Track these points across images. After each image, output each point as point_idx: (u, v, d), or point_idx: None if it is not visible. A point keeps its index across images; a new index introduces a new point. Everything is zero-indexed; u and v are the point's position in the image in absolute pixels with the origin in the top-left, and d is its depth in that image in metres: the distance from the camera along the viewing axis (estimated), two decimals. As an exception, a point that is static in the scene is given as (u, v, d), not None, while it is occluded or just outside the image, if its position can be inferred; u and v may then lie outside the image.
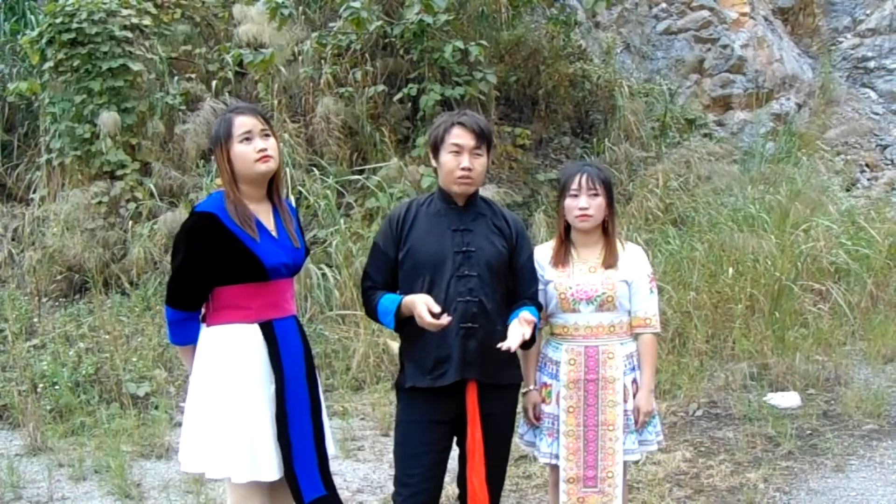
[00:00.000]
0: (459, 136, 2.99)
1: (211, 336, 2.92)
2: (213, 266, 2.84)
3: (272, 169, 2.91)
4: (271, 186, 3.01)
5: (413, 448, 3.02)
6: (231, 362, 2.87)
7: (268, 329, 2.90)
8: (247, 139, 2.87)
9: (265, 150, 2.87)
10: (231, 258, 2.83)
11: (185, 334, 2.98)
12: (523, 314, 2.92)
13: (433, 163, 3.11)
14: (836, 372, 5.98)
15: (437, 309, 2.82)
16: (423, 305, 2.83)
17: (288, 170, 7.19)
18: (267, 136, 2.92)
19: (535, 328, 3.03)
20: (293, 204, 3.24)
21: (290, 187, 7.14)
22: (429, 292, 2.93)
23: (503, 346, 2.85)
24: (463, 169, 2.97)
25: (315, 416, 2.99)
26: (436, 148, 3.06)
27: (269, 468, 2.87)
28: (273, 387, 2.89)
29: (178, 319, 2.94)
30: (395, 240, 3.04)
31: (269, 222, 2.97)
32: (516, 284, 3.08)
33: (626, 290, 3.16)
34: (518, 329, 2.89)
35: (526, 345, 2.96)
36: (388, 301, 2.99)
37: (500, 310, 3.01)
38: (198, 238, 2.85)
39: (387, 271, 3.06)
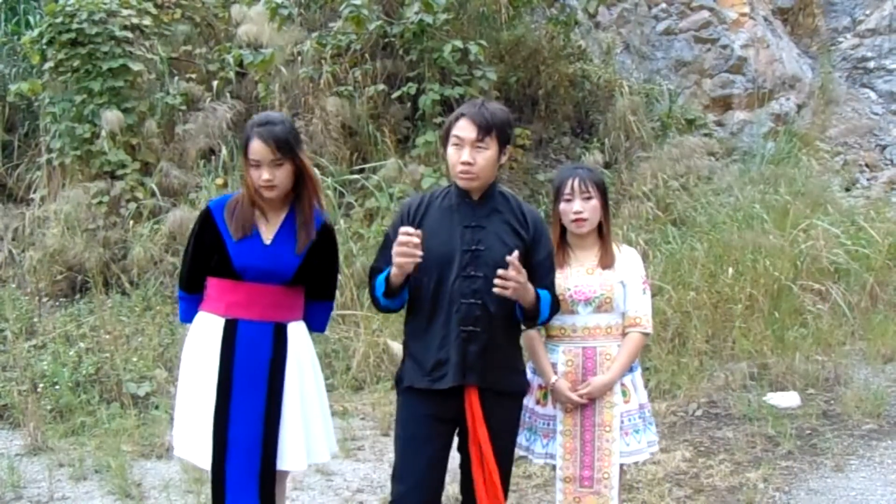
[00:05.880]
0: (461, 129, 2.85)
1: (195, 319, 3.16)
2: (200, 257, 3.08)
3: (274, 197, 3.01)
4: (300, 195, 3.06)
5: (413, 442, 2.93)
6: (193, 347, 3.08)
7: (230, 326, 3.00)
8: (255, 166, 2.96)
9: (270, 181, 2.95)
10: (209, 252, 3.04)
11: (184, 313, 3.26)
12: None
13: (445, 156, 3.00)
14: (835, 372, 5.97)
15: (415, 239, 2.71)
16: (402, 235, 2.71)
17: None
18: (279, 165, 2.95)
19: (540, 305, 2.90)
20: (324, 218, 3.17)
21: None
22: (435, 290, 2.85)
23: (496, 290, 2.74)
24: (463, 163, 2.84)
25: (269, 428, 2.97)
26: (446, 140, 2.94)
27: (204, 455, 2.99)
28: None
29: (180, 298, 3.26)
30: None
31: (269, 227, 3.04)
32: (530, 280, 2.86)
33: (623, 291, 3.17)
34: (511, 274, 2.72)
35: (528, 318, 2.90)
36: (384, 274, 2.89)
37: (506, 314, 2.88)
38: (194, 230, 3.13)
39: None
